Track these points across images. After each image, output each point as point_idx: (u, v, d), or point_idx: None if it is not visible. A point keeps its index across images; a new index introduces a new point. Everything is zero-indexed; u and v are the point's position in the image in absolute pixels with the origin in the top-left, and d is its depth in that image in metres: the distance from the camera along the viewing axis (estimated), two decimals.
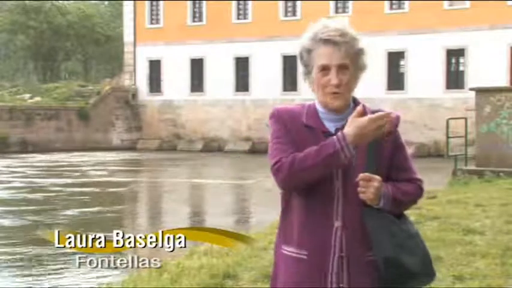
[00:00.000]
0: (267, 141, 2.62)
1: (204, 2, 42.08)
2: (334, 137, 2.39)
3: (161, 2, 43.29)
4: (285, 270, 2.52)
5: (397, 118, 2.55)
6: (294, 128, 2.50)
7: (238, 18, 41.20)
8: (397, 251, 2.40)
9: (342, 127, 2.46)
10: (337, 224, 2.43)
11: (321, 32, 2.46)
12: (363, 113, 2.40)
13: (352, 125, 2.38)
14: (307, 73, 2.52)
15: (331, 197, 2.44)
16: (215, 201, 18.57)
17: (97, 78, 56.86)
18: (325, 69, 2.44)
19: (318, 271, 2.45)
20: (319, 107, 2.52)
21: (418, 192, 2.57)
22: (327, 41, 2.44)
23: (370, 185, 2.40)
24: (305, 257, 2.46)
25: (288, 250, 2.51)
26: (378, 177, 2.41)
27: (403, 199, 2.49)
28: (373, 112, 2.52)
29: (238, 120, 40.59)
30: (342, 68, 2.43)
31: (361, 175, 2.40)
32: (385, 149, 2.49)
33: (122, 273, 8.95)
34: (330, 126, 2.49)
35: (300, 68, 2.59)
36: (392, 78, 36.87)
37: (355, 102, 2.54)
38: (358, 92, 2.58)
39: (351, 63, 2.45)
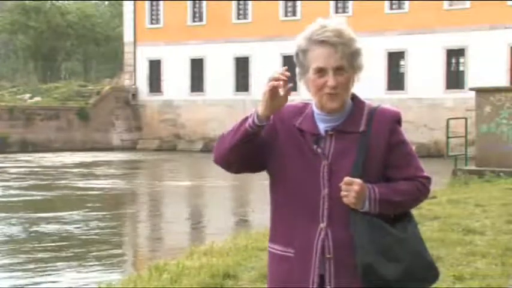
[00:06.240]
0: None
1: (204, 2, 42.08)
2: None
3: (161, 2, 43.28)
4: (273, 268, 2.54)
5: (397, 114, 2.51)
6: (284, 127, 2.52)
7: (238, 18, 41.19)
8: (376, 257, 2.36)
9: (333, 128, 2.45)
10: (322, 225, 2.42)
11: (317, 33, 2.42)
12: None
13: None
14: (303, 73, 2.51)
15: (317, 198, 2.42)
16: (215, 201, 18.56)
17: (97, 78, 56.82)
18: (321, 71, 2.41)
19: (302, 270, 2.44)
20: (315, 108, 2.51)
21: (420, 190, 2.48)
22: (323, 42, 2.40)
23: (351, 189, 2.37)
24: (291, 254, 2.46)
25: (275, 248, 2.52)
26: (358, 180, 2.37)
27: (398, 199, 2.43)
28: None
29: (238, 120, 40.48)
30: (338, 69, 2.40)
31: (344, 179, 2.38)
32: (377, 149, 2.44)
33: (122, 273, 8.96)
34: (322, 128, 2.47)
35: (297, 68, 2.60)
36: (392, 78, 36.86)
37: (355, 100, 2.51)
38: (358, 92, 2.56)
39: (348, 64, 2.41)
